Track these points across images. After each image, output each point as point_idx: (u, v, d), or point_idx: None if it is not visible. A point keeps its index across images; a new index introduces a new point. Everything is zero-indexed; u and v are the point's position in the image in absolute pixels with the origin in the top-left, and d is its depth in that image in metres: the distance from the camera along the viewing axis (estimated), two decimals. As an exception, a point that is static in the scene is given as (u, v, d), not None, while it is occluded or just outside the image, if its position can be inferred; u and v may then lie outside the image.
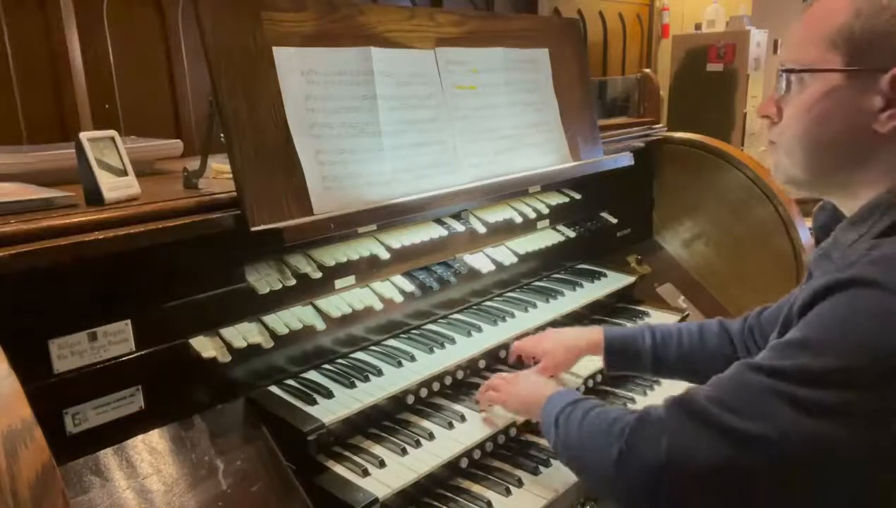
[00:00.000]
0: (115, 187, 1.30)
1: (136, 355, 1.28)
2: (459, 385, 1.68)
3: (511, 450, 1.56)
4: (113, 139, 1.34)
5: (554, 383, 1.47)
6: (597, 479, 1.14)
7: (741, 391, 0.97)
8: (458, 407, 1.58)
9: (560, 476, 1.46)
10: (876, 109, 0.99)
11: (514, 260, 1.96)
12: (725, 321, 1.56)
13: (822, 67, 1.03)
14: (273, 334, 1.45)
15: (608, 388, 1.84)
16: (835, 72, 1.02)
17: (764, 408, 0.93)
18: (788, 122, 1.09)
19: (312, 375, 1.55)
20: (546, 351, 1.64)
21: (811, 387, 0.90)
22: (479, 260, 1.89)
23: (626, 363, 1.60)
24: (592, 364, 1.71)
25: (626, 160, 2.18)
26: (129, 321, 1.27)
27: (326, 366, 1.59)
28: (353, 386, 1.49)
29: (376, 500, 1.27)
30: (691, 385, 1.34)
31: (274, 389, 1.49)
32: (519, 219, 1.98)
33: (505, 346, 1.78)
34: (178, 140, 1.87)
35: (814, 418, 0.89)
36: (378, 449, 1.43)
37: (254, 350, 1.43)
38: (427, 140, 1.70)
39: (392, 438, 1.46)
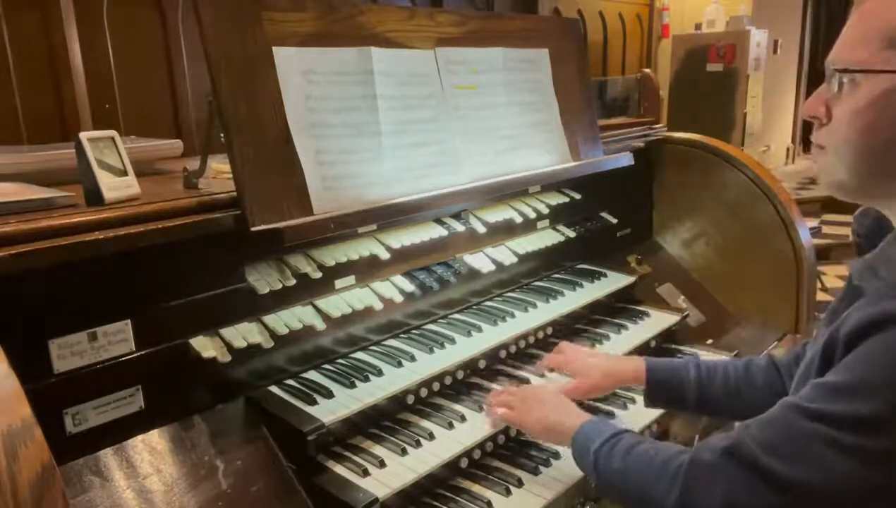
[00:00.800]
0: (115, 187, 1.30)
1: (136, 355, 1.28)
2: (459, 385, 1.67)
3: (511, 450, 1.56)
4: (113, 139, 1.34)
5: (576, 408, 1.39)
6: None
7: (787, 435, 0.95)
8: (458, 407, 1.58)
9: (560, 476, 1.45)
10: None
11: (514, 260, 1.96)
12: (775, 356, 1.47)
13: (878, 68, 0.97)
14: (273, 334, 1.45)
15: (608, 388, 1.83)
16: (891, 73, 0.96)
17: (810, 454, 0.92)
18: (839, 125, 1.03)
19: (312, 375, 1.55)
20: (581, 371, 1.56)
21: (857, 433, 0.89)
22: (479, 260, 1.89)
23: (668, 395, 1.49)
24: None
25: (626, 160, 2.18)
26: (129, 321, 1.26)
27: (326, 366, 1.58)
28: (353, 386, 1.49)
29: (376, 500, 1.27)
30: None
31: (274, 389, 1.48)
32: (519, 219, 1.98)
33: (505, 346, 1.78)
34: (178, 140, 1.87)
35: (859, 464, 0.88)
36: (378, 449, 1.43)
37: (254, 350, 1.43)
38: (427, 140, 1.70)
39: (392, 438, 1.46)
